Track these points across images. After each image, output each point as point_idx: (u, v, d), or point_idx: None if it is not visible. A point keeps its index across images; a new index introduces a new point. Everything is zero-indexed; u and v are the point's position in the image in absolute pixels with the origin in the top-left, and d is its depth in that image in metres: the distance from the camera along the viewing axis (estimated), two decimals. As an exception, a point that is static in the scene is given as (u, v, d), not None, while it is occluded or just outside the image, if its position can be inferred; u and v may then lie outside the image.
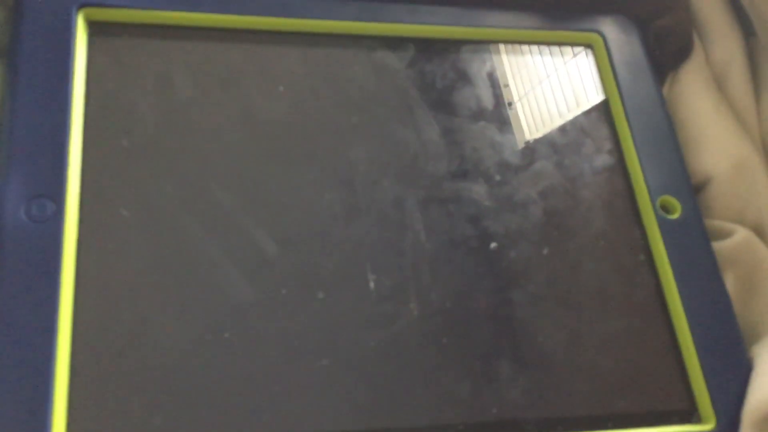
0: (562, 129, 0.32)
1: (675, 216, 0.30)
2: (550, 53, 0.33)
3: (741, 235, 0.31)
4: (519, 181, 0.30)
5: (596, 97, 0.33)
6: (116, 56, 0.28)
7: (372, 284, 0.27)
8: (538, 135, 0.31)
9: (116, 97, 0.27)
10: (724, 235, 0.31)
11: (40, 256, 0.24)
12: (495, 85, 0.32)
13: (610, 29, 0.34)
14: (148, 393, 0.23)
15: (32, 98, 0.26)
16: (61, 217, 0.24)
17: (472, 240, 0.28)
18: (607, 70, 0.33)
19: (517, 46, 0.33)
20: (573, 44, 0.33)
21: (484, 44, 0.32)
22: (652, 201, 0.30)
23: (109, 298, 0.24)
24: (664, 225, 0.30)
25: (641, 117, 0.32)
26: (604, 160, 0.31)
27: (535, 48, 0.33)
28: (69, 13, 0.27)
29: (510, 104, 0.31)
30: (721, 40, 0.36)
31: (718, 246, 0.30)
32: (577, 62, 0.33)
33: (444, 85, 0.31)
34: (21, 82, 0.26)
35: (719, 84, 0.35)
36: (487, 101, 0.31)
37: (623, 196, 0.31)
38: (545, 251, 0.29)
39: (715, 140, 0.33)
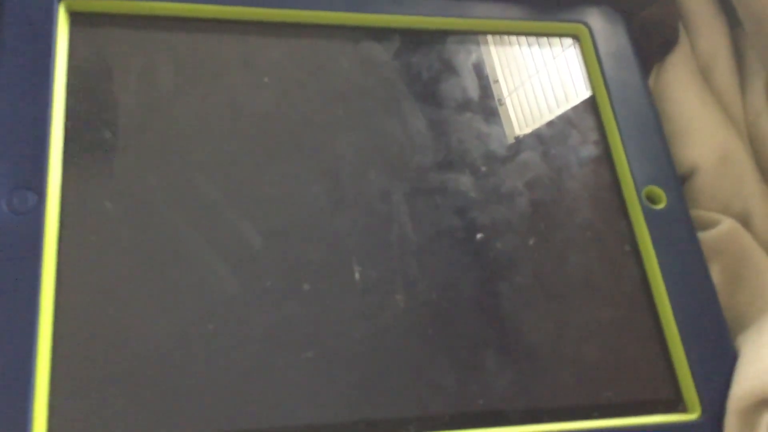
0: (548, 120, 0.31)
1: (660, 206, 0.30)
2: (538, 44, 0.33)
3: (726, 225, 0.31)
4: (505, 173, 0.30)
5: (582, 88, 0.33)
6: (98, 47, 0.28)
7: (358, 276, 0.26)
8: (523, 126, 0.31)
9: (98, 88, 0.27)
10: (710, 225, 0.31)
11: (21, 248, 0.23)
12: (481, 76, 0.31)
13: (596, 20, 0.34)
14: (131, 386, 0.23)
15: (13, 89, 0.26)
16: (43, 209, 0.24)
17: (459, 231, 0.28)
18: (593, 61, 0.33)
19: (503, 37, 0.33)
20: (559, 35, 0.33)
21: (470, 35, 0.32)
22: (638, 191, 0.30)
23: (92, 290, 0.24)
24: (650, 215, 0.30)
25: (627, 108, 0.32)
26: (589, 151, 0.31)
27: (521, 39, 0.33)
28: (50, 3, 0.27)
29: (501, 96, 0.31)
30: (706, 31, 0.36)
31: (703, 236, 0.30)
32: (562, 54, 0.33)
33: (430, 77, 0.31)
34: (2, 73, 0.26)
35: (705, 75, 0.35)
36: (473, 92, 0.31)
37: (609, 187, 0.31)
38: (531, 242, 0.29)
39: (700, 131, 0.33)
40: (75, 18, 0.28)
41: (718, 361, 0.27)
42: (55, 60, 0.26)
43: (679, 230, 0.30)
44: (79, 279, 0.24)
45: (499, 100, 0.31)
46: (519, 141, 0.31)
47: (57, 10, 0.27)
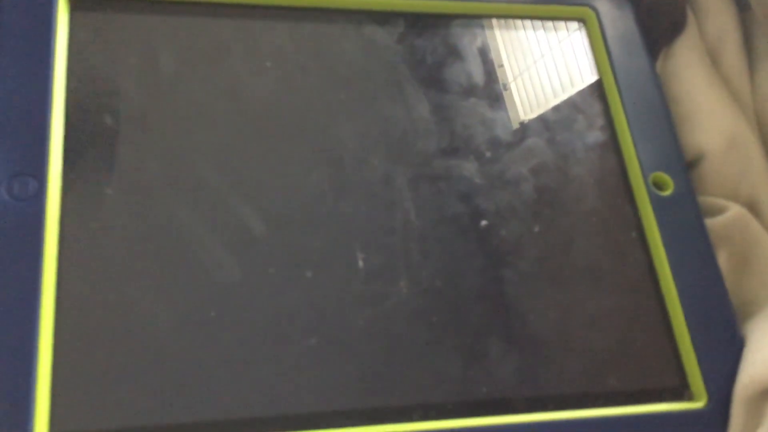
0: (554, 105, 0.31)
1: (667, 192, 0.30)
2: (543, 28, 0.33)
3: (734, 211, 0.31)
4: (510, 159, 0.29)
5: (588, 72, 0.32)
6: (98, 31, 0.27)
7: (361, 263, 0.26)
8: (529, 111, 0.31)
9: (99, 73, 0.27)
10: (717, 211, 0.31)
11: (22, 235, 0.23)
12: (486, 60, 0.31)
13: (603, 3, 0.33)
14: (133, 373, 0.23)
15: (13, 74, 0.25)
16: (44, 196, 0.24)
17: (463, 218, 0.28)
18: (600, 45, 0.32)
19: (509, 21, 0.32)
20: (565, 19, 0.33)
21: (476, 19, 0.32)
22: (645, 177, 0.30)
23: (93, 277, 0.24)
24: (657, 202, 0.29)
25: (634, 93, 0.32)
26: (596, 136, 0.31)
27: (527, 23, 0.33)
28: (50, -13, 0.27)
29: (506, 81, 0.31)
30: (714, 14, 0.35)
31: (710, 222, 0.30)
32: (569, 38, 0.33)
33: (434, 61, 0.31)
34: (2, 58, 0.26)
35: (713, 59, 0.35)
36: (478, 77, 0.31)
37: (615, 173, 0.30)
38: (536, 229, 0.28)
39: (708, 116, 0.32)
40: (75, 2, 0.27)
41: (724, 349, 0.27)
42: (56, 45, 0.26)
43: (686, 217, 0.29)
44: (81, 266, 0.24)
45: (504, 84, 0.31)
46: (524, 126, 0.30)
47: (57, -6, 0.27)
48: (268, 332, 0.25)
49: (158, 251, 0.25)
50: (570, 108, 0.31)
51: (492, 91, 0.31)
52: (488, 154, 0.29)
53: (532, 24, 0.33)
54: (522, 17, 0.33)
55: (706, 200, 0.31)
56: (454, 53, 0.31)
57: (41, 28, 0.26)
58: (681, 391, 0.27)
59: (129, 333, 0.24)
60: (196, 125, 0.27)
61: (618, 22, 0.33)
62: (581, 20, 0.33)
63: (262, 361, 0.24)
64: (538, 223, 0.29)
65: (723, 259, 0.30)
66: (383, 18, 0.31)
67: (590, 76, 0.32)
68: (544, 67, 0.32)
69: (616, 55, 0.32)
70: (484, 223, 0.28)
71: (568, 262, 0.28)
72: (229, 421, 0.23)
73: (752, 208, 0.31)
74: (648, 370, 0.27)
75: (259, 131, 0.28)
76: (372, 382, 0.25)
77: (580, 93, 0.32)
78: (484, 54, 0.31)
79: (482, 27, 0.32)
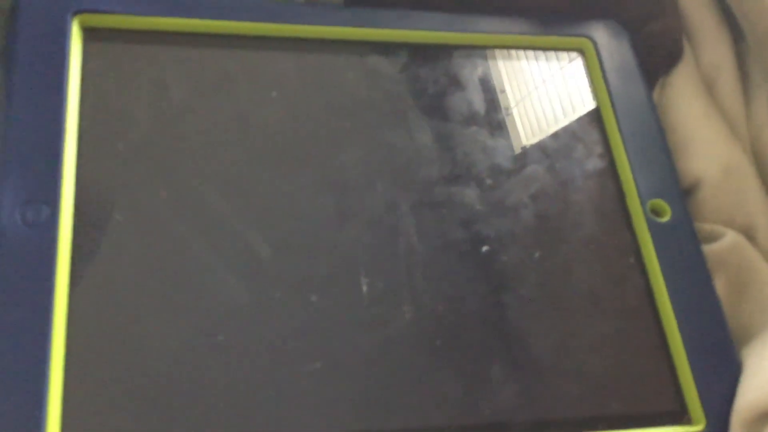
0: (553, 134, 0.32)
1: (665, 219, 0.30)
2: (546, 58, 0.33)
3: (730, 237, 0.31)
4: (511, 186, 0.30)
5: (587, 102, 0.33)
6: (111, 62, 0.28)
7: (365, 288, 0.27)
8: (528, 140, 0.31)
9: (111, 102, 0.27)
10: (714, 238, 0.31)
11: (34, 261, 0.24)
12: (487, 90, 0.32)
13: (601, 35, 0.34)
14: (142, 397, 0.23)
15: (27, 103, 0.26)
16: (56, 222, 0.24)
17: (465, 244, 0.28)
18: (598, 75, 0.33)
19: (508, 52, 0.33)
20: (564, 49, 0.34)
21: (476, 50, 0.33)
22: (643, 204, 0.30)
23: (104, 302, 0.24)
24: (655, 228, 0.30)
25: (632, 121, 0.32)
26: (594, 164, 0.31)
27: (527, 53, 0.33)
28: (64, 19, 0.27)
29: (506, 110, 0.31)
30: (710, 44, 0.36)
31: (708, 249, 0.31)
32: (569, 68, 0.34)
33: (436, 91, 0.31)
34: (16, 87, 0.26)
35: (709, 88, 0.35)
36: (479, 106, 0.31)
37: (614, 200, 0.31)
38: (537, 255, 0.29)
39: (704, 144, 0.33)
40: (88, 33, 0.28)
41: (722, 373, 0.28)
42: (69, 74, 0.27)
43: (684, 243, 0.30)
44: (92, 291, 0.24)
45: (505, 113, 0.31)
46: (524, 154, 0.31)
47: (71, 26, 0.27)
48: (274, 355, 0.25)
49: (167, 276, 0.25)
50: (569, 136, 0.32)
51: (493, 120, 0.31)
52: (489, 181, 0.30)
53: (533, 55, 0.33)
54: (521, 48, 0.33)
55: (702, 227, 0.32)
56: (456, 83, 0.32)
57: (55, 58, 0.27)
58: (680, 415, 0.27)
59: (138, 356, 0.24)
60: (205, 153, 0.27)
61: (615, 52, 0.34)
62: (579, 51, 0.34)
63: (267, 383, 0.25)
64: (539, 249, 0.29)
65: (720, 285, 0.30)
66: (386, 48, 0.32)
67: (589, 106, 0.33)
68: (546, 97, 0.33)
69: (613, 85, 0.33)
70: (485, 248, 0.29)
71: (567, 288, 0.29)
72: (235, 444, 0.24)
73: (748, 234, 0.32)
74: (647, 394, 0.28)
75: (266, 159, 0.28)
76: (375, 405, 0.25)
77: (579, 122, 0.32)
78: (485, 84, 0.32)
79: (483, 57, 0.33)
